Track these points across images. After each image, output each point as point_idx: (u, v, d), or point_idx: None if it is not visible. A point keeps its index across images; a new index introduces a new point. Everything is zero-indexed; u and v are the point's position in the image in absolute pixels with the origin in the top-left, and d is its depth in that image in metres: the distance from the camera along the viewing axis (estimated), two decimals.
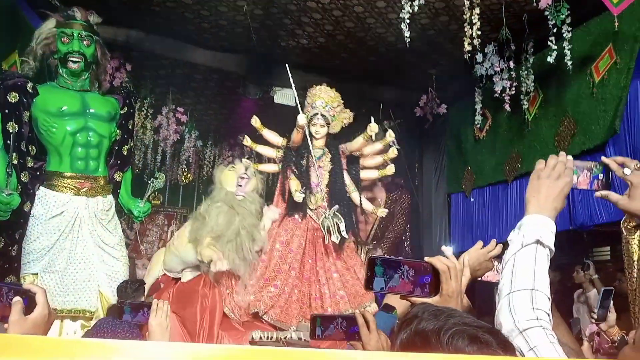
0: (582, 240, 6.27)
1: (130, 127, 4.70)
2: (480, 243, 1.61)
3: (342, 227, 4.42)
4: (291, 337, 4.11)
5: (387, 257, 1.19)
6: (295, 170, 4.73)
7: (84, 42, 4.23)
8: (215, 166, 8.10)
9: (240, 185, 4.40)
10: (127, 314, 1.96)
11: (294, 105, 5.55)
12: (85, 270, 4.08)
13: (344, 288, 4.51)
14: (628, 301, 3.77)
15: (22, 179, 4.06)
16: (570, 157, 1.30)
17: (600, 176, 1.36)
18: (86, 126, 4.21)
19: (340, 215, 4.45)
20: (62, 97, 4.21)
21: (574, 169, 1.30)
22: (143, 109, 6.76)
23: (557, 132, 5.12)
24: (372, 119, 4.65)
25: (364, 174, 4.96)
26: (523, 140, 5.57)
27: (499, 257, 1.58)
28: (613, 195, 1.37)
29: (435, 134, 7.12)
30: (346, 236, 4.50)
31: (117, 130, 4.48)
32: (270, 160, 5.11)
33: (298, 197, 4.48)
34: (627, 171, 1.36)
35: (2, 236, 3.93)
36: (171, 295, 4.34)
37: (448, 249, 1.29)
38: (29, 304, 1.15)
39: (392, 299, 1.62)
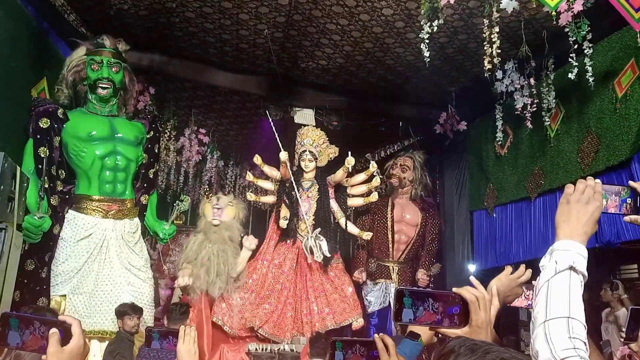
0: (609, 258, 6.15)
1: (156, 150, 4.81)
2: (509, 268, 1.60)
3: (324, 247, 5.06)
4: (284, 349, 4.68)
5: (415, 288, 1.20)
6: (286, 200, 5.38)
7: (113, 69, 4.36)
8: (237, 186, 8.23)
9: (216, 215, 5.05)
10: (155, 340, 1.98)
11: (314, 125, 5.98)
12: (112, 292, 4.15)
13: (331, 305, 5.16)
14: None
15: (52, 203, 4.16)
16: (598, 181, 1.30)
17: (629, 200, 1.36)
18: (114, 150, 4.32)
19: (322, 237, 5.09)
20: (91, 122, 4.33)
21: (602, 193, 1.30)
22: (166, 131, 6.88)
23: (580, 148, 5.06)
24: (349, 153, 5.30)
25: (351, 202, 5.65)
26: (545, 156, 5.51)
27: (527, 283, 1.56)
28: None
29: (455, 151, 7.09)
30: (328, 255, 5.11)
31: (144, 154, 4.57)
32: (269, 192, 5.78)
33: (282, 223, 5.23)
34: None
35: (33, 259, 4.03)
36: None
37: (475, 279, 1.28)
38: (65, 335, 1.18)
39: (418, 326, 1.61)
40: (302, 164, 5.41)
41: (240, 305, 4.93)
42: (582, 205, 1.25)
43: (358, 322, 5.13)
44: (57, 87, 4.44)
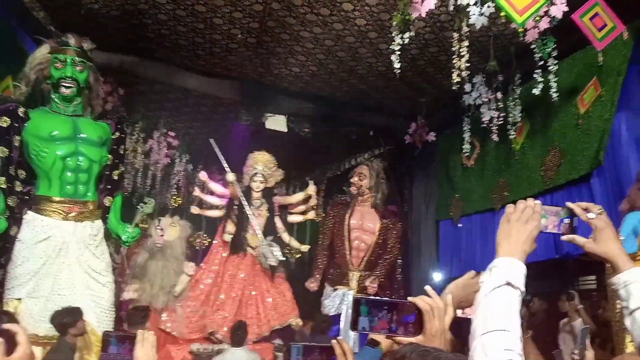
0: (568, 269, 6.32)
1: (121, 152, 4.71)
2: (472, 272, 1.62)
3: (277, 252, 5.71)
4: (224, 349, 5.13)
5: (372, 297, 1.22)
6: (233, 216, 5.95)
7: (77, 68, 4.25)
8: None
9: (162, 235, 5.55)
10: (112, 345, 1.94)
11: (286, 131, 6.15)
12: (70, 297, 4.00)
13: (275, 309, 5.78)
14: (612, 331, 3.81)
15: (10, 203, 4.03)
16: (538, 202, 1.36)
17: (566, 220, 1.41)
18: (76, 151, 4.21)
19: (274, 244, 5.72)
20: (53, 122, 4.22)
21: (542, 213, 1.36)
22: (134, 132, 6.78)
23: (543, 162, 5.20)
24: (311, 182, 6.26)
25: (291, 219, 6.30)
26: (510, 169, 5.64)
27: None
28: (579, 239, 1.42)
29: (424, 161, 7.19)
30: (283, 258, 5.85)
31: (108, 155, 4.48)
32: (214, 207, 6.26)
33: (227, 237, 5.87)
34: (591, 215, 1.41)
35: None
36: None
37: (430, 289, 1.31)
38: (10, 344, 1.14)
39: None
40: (254, 185, 6.03)
41: (188, 312, 5.53)
42: (522, 224, 1.31)
43: (297, 323, 5.80)
44: (14, 84, 4.32)
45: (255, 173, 6.04)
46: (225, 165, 6.00)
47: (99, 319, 4.08)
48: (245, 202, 5.97)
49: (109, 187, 4.55)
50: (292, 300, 5.95)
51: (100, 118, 4.64)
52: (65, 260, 4.07)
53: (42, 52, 4.27)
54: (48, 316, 3.87)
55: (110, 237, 4.67)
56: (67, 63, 4.22)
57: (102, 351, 1.94)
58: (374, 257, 6.31)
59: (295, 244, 6.27)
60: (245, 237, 5.88)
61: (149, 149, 7.15)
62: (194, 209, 6.26)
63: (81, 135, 4.26)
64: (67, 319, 3.77)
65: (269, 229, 5.96)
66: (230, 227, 5.92)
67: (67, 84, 4.23)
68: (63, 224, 4.12)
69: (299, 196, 6.30)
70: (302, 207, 6.31)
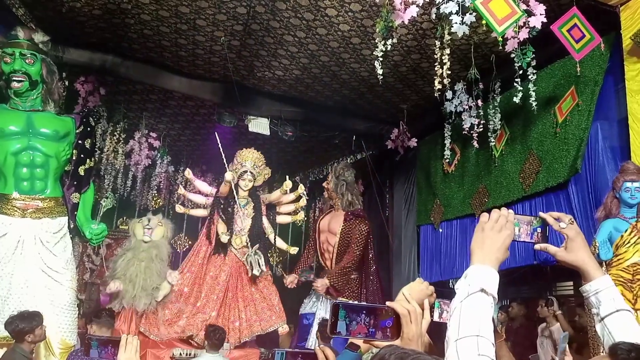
0: (546, 275, 6.42)
1: (88, 146, 4.51)
2: (420, 280, 1.64)
3: (262, 262, 5.51)
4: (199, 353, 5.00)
5: (350, 302, 1.24)
6: (222, 215, 5.71)
7: (26, 61, 4.08)
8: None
9: (147, 235, 5.34)
10: (94, 349, 1.92)
11: (268, 134, 6.07)
12: (27, 296, 3.84)
13: (259, 314, 5.55)
14: (588, 336, 3.88)
15: None
16: (511, 211, 1.39)
17: (539, 229, 1.44)
18: (29, 145, 4.03)
19: (260, 253, 5.50)
20: (6, 117, 4.05)
21: (515, 222, 1.38)
22: (115, 133, 6.71)
23: (522, 169, 5.29)
24: (287, 177, 5.89)
25: (280, 219, 6.08)
26: (490, 175, 5.72)
27: (446, 299, 1.61)
28: (551, 248, 1.46)
29: (405, 166, 7.25)
30: (264, 269, 5.56)
31: (72, 150, 4.32)
32: (200, 206, 6.02)
33: (224, 238, 5.54)
34: (562, 225, 1.44)
35: None
36: None
37: (407, 293, 1.33)
38: None
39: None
40: (242, 183, 5.77)
41: (169, 315, 5.34)
42: (495, 233, 1.33)
43: (283, 328, 5.58)
44: None
45: (245, 171, 5.76)
46: (225, 162, 5.67)
47: (58, 319, 3.91)
48: (237, 202, 5.73)
49: (75, 183, 4.37)
50: (279, 304, 5.67)
51: (62, 112, 4.48)
52: (21, 259, 3.90)
53: None
54: (5, 318, 3.65)
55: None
56: (15, 57, 4.08)
57: (84, 355, 1.92)
58: (336, 258, 6.24)
59: (283, 245, 6.04)
60: (231, 238, 5.63)
61: (130, 150, 7.08)
62: (179, 208, 6.01)
63: (35, 129, 4.09)
64: (24, 325, 3.49)
65: (254, 230, 5.73)
66: (222, 227, 5.64)
67: (17, 78, 4.07)
68: (20, 222, 3.96)
69: (289, 197, 6.00)
70: (291, 207, 6.08)
